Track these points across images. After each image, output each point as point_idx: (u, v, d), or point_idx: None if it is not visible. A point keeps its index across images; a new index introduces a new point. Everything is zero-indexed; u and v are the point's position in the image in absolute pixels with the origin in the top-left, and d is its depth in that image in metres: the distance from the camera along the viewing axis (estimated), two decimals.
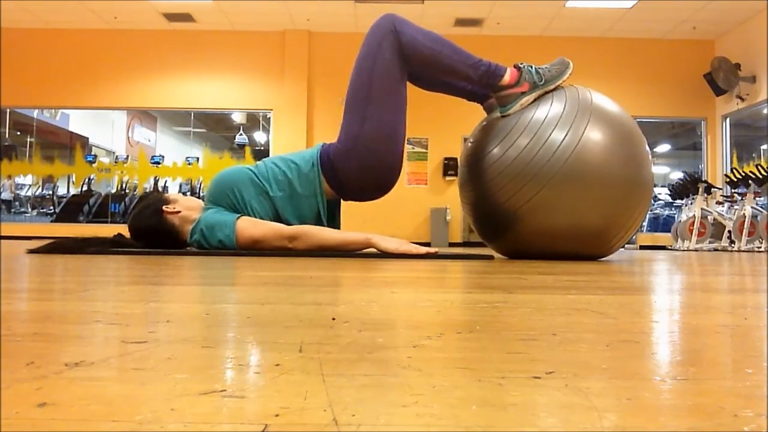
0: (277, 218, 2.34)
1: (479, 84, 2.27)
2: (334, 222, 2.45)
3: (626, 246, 7.77)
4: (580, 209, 2.13)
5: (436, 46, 2.22)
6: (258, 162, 2.44)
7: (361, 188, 2.36)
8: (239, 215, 2.26)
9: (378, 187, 2.37)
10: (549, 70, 2.26)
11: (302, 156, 2.38)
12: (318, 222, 2.36)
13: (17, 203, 9.97)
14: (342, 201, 2.47)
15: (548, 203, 2.12)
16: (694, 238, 6.99)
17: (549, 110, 2.17)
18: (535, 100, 2.23)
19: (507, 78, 2.23)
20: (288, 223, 2.33)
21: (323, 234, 2.20)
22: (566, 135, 2.11)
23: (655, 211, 9.80)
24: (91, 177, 9.50)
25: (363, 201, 2.44)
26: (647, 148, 2.29)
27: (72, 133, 11.20)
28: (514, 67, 2.26)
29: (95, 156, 9.90)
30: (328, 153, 2.33)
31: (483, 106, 2.52)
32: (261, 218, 2.30)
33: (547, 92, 2.25)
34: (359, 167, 2.28)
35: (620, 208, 2.18)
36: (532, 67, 2.25)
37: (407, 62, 2.25)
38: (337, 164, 2.30)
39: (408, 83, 2.34)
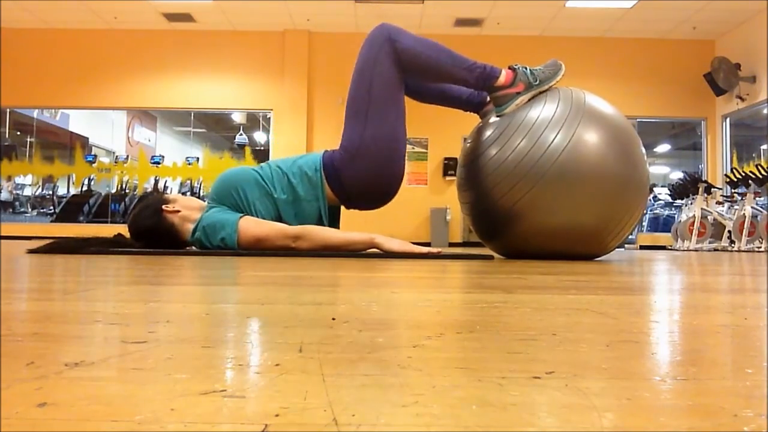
0: (279, 220, 2.35)
1: (476, 86, 2.31)
2: (334, 225, 2.46)
3: (626, 246, 7.77)
4: (573, 207, 2.15)
5: (432, 53, 2.26)
6: (262, 164, 2.46)
7: (364, 195, 2.37)
8: (242, 215, 2.26)
9: (381, 195, 2.39)
10: (543, 71, 2.31)
11: (306, 161, 2.39)
12: (319, 224, 2.37)
13: (17, 203, 9.97)
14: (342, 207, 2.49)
15: (541, 201, 2.15)
16: (694, 238, 6.98)
17: (542, 110, 2.21)
18: (529, 100, 2.27)
19: (502, 79, 2.27)
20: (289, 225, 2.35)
21: (327, 234, 2.21)
22: (557, 134, 2.15)
23: (655, 211, 9.79)
24: (91, 177, 9.50)
25: (365, 209, 2.46)
26: (642, 148, 2.32)
27: (72, 133, 11.19)
28: (509, 68, 2.31)
29: (95, 156, 9.89)
30: (332, 160, 2.34)
31: (479, 114, 2.57)
32: (264, 219, 2.31)
33: (541, 92, 2.28)
34: (363, 175, 2.30)
35: (614, 207, 2.20)
36: (526, 68, 2.30)
37: (405, 70, 2.28)
38: (342, 171, 2.31)
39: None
